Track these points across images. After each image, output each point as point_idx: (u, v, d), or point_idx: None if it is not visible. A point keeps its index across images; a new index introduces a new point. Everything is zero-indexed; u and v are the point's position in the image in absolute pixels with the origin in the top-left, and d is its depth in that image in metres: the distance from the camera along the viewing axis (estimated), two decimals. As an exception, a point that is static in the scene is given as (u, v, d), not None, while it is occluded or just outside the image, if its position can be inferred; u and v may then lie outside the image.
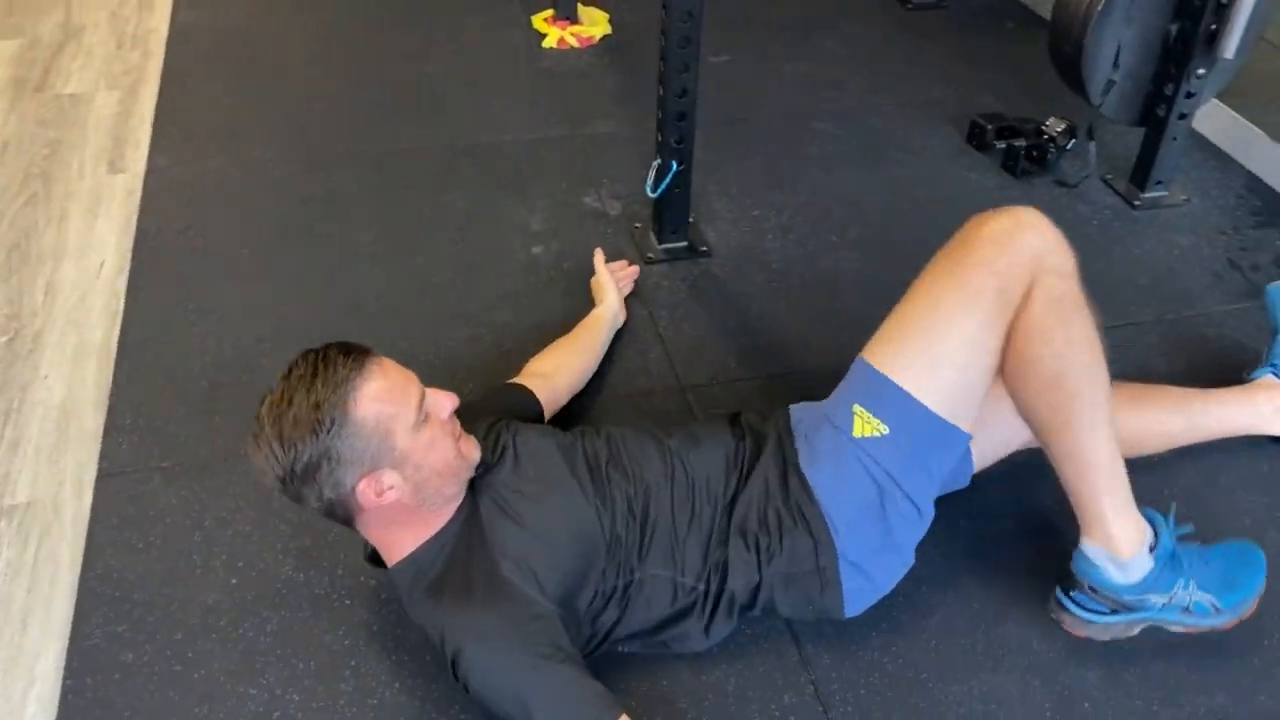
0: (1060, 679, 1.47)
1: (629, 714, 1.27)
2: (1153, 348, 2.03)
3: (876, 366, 1.40)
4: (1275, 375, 1.78)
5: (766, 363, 1.98)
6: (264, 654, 1.47)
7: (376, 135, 2.62)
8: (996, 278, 1.35)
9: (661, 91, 2.02)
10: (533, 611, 1.30)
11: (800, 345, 2.02)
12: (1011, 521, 1.67)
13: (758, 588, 1.42)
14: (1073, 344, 1.37)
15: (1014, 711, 1.43)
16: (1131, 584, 1.41)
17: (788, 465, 1.44)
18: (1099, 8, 2.21)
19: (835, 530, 1.39)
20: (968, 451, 1.55)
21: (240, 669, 1.45)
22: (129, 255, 2.19)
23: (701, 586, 1.41)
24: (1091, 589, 1.43)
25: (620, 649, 1.45)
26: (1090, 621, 1.45)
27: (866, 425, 1.39)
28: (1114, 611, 1.43)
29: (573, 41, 3.04)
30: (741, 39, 3.07)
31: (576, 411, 1.83)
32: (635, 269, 2.15)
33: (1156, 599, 1.42)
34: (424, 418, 1.30)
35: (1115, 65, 2.29)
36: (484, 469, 1.41)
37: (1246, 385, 1.80)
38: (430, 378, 1.97)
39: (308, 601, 1.53)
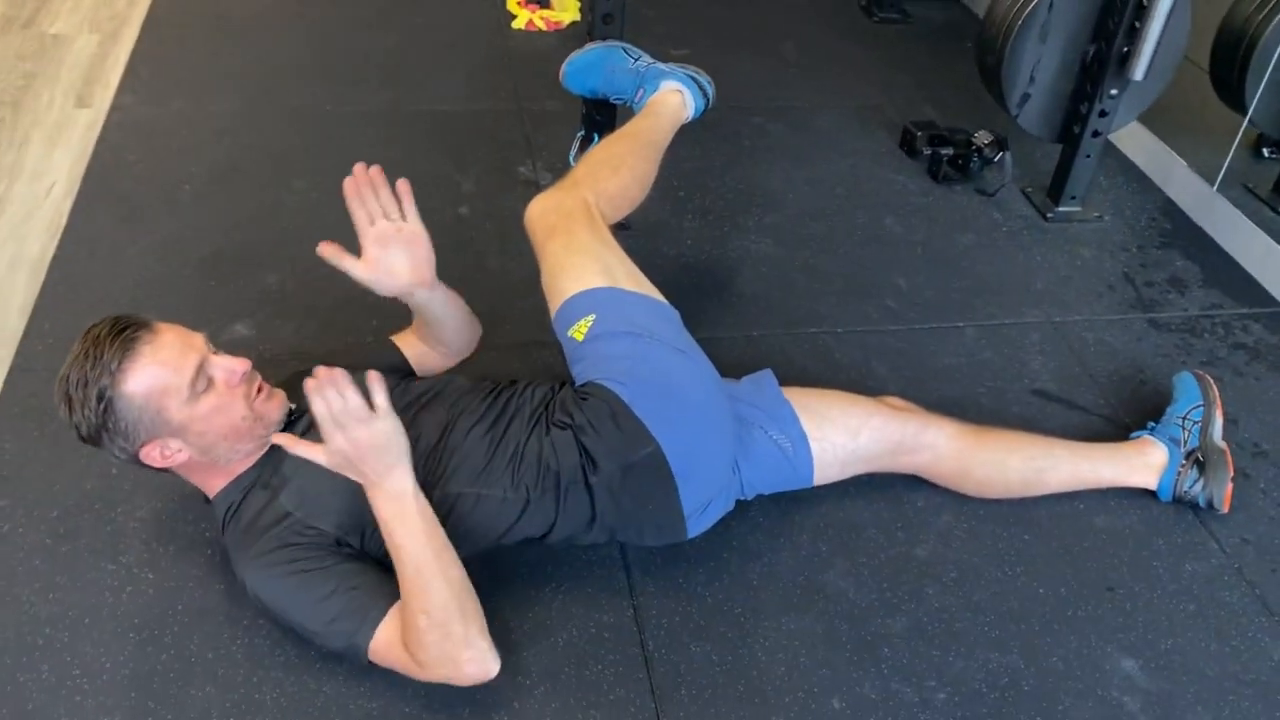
0: (867, 626, 1.56)
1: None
2: (1031, 345, 2.12)
3: None
4: (1150, 435, 1.82)
5: (656, 326, 2.08)
6: (129, 536, 1.59)
7: (330, 95, 2.74)
8: None
9: (584, 64, 2.13)
10: (303, 533, 1.39)
11: (691, 316, 2.12)
12: (853, 484, 1.76)
13: (586, 475, 1.47)
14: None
15: (815, 650, 1.52)
16: None
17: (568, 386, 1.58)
18: (1019, 24, 2.32)
19: (622, 388, 1.49)
20: (809, 454, 1.65)
21: (104, 547, 1.57)
22: (78, 181, 2.32)
23: (520, 493, 1.47)
24: None
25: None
26: None
27: (579, 331, 1.56)
28: None
29: (541, 25, 3.16)
30: (705, 36, 3.18)
31: (499, 365, 1.90)
32: None
33: None
34: (205, 386, 1.36)
35: (1031, 80, 2.39)
36: (302, 417, 1.48)
37: (1122, 444, 1.82)
38: (357, 317, 2.07)
39: (178, 496, 1.64)
